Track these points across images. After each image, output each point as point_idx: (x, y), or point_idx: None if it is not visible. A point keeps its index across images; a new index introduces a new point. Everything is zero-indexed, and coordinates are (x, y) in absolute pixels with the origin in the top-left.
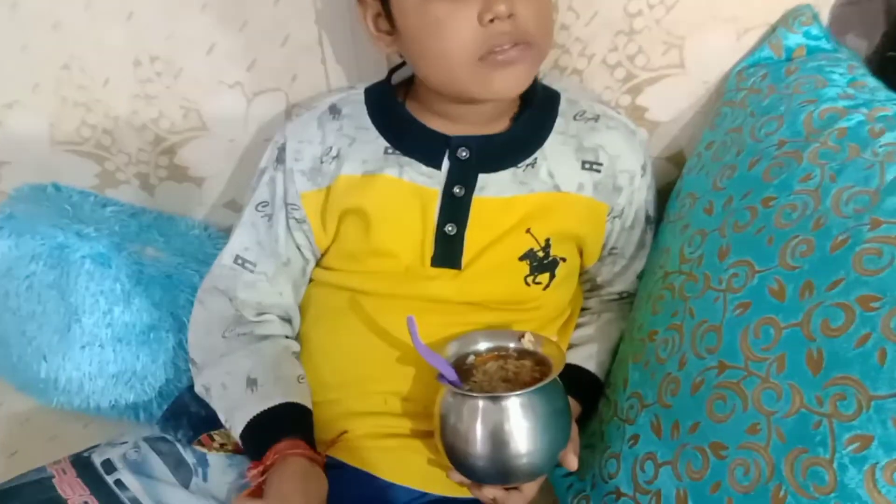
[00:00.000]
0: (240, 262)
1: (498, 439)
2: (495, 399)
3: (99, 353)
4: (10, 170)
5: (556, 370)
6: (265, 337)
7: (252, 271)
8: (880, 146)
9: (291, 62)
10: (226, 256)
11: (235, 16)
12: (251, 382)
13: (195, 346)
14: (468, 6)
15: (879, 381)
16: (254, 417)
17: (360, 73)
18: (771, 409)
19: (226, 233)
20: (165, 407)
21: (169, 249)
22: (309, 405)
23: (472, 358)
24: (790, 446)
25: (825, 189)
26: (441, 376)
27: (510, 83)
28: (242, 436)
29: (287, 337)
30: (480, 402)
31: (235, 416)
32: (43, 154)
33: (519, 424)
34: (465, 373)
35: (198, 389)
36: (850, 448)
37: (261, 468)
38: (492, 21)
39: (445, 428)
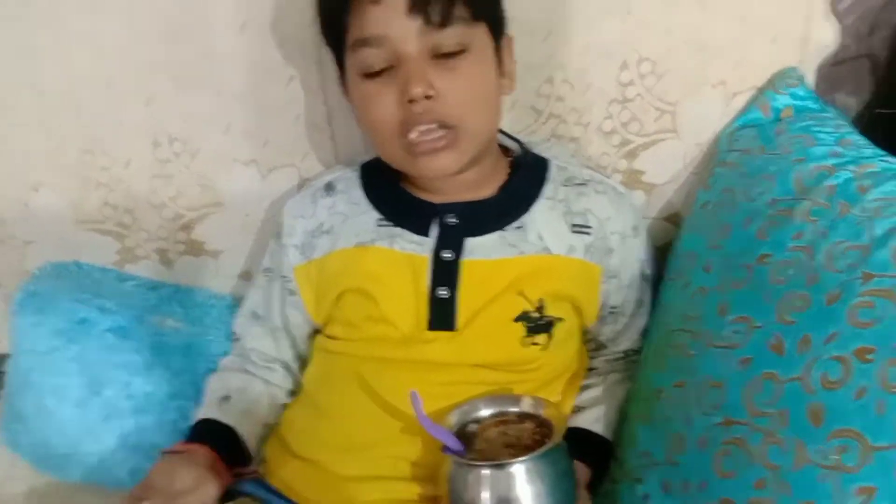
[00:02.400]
0: (254, 316)
1: None
2: (500, 466)
3: (120, 424)
4: (35, 249)
5: (558, 432)
6: (265, 381)
7: (261, 326)
8: (868, 202)
9: (303, 140)
10: (242, 313)
11: (250, 97)
12: (224, 399)
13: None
14: (390, 89)
15: (880, 432)
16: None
17: (368, 149)
18: (776, 464)
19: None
20: None
21: (188, 320)
22: (235, 426)
23: (473, 426)
24: (796, 500)
25: (817, 245)
26: (446, 448)
27: (435, 169)
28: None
29: (282, 388)
30: (485, 471)
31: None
32: (66, 233)
33: (525, 490)
34: (467, 441)
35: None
36: (857, 501)
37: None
38: (412, 101)
39: (453, 498)
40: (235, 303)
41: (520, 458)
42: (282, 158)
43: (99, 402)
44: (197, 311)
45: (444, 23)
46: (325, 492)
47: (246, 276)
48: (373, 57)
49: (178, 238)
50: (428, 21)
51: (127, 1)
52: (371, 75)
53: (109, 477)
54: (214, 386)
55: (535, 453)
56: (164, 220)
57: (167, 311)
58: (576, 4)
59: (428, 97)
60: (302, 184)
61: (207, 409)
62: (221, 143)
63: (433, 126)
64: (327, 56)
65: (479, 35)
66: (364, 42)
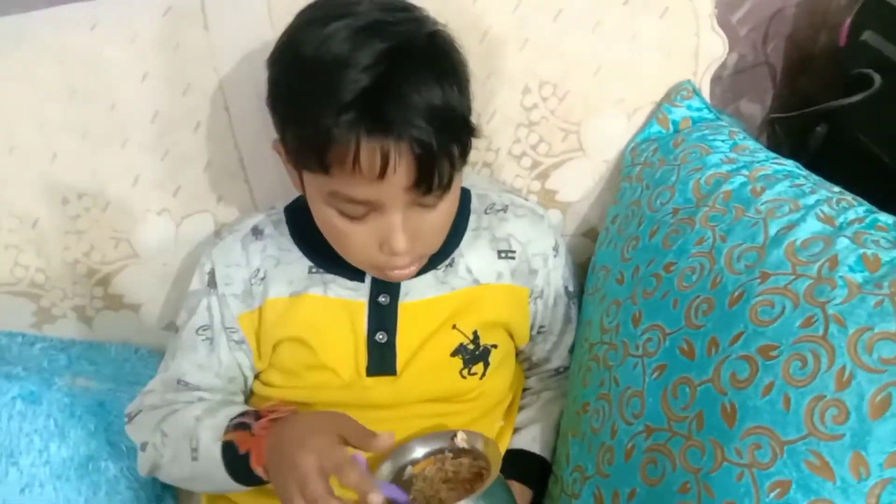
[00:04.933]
0: (182, 384)
1: None
2: None
3: (39, 493)
4: None
5: (495, 466)
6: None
7: (194, 392)
8: (762, 204)
9: (215, 185)
10: (159, 382)
11: (156, 146)
12: (198, 419)
13: (138, 442)
14: (368, 231)
15: (788, 427)
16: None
17: (285, 190)
18: (697, 467)
19: (161, 354)
20: None
21: (99, 377)
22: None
23: (409, 469)
24: (719, 500)
25: (718, 249)
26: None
27: (399, 280)
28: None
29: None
30: None
31: (202, 429)
32: None
33: None
34: (405, 484)
35: (142, 463)
36: (773, 495)
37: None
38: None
39: None
40: (152, 353)
41: (461, 500)
42: (195, 205)
43: (16, 472)
44: (109, 367)
45: (440, 197)
46: None
47: (170, 328)
48: (353, 209)
49: (95, 294)
50: (423, 196)
51: (25, 60)
52: (346, 215)
53: None
54: (186, 416)
55: (476, 493)
56: (79, 276)
57: (78, 370)
58: (474, 36)
59: None
60: (218, 229)
61: (212, 424)
62: (131, 194)
63: (407, 260)
64: (233, 102)
65: (459, 174)
66: (348, 199)
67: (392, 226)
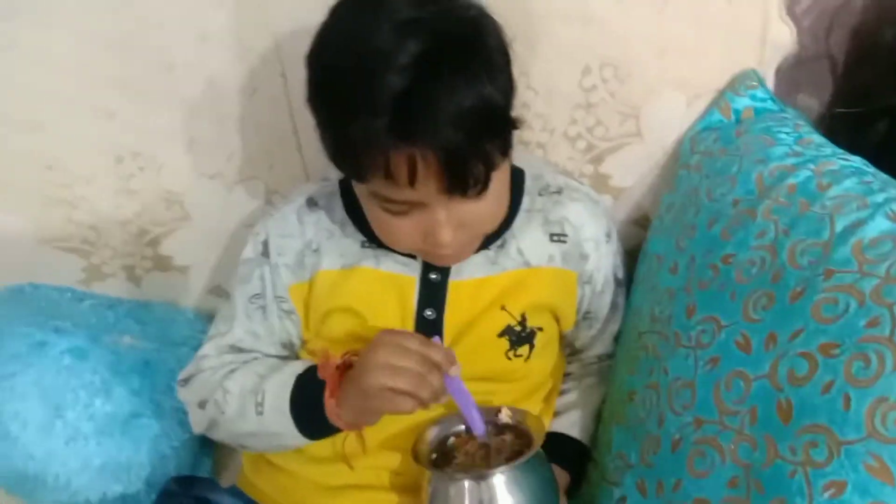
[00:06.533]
0: (236, 350)
1: None
2: (480, 477)
3: (83, 446)
4: None
5: (538, 441)
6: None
7: (250, 354)
8: (828, 199)
9: (268, 151)
10: (213, 347)
11: (212, 109)
12: (262, 376)
13: (194, 402)
14: (412, 224)
15: (847, 427)
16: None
17: None
18: (748, 462)
19: (206, 316)
20: (154, 497)
21: (145, 336)
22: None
23: (452, 440)
24: (769, 497)
25: (780, 243)
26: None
27: (453, 263)
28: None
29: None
30: (466, 483)
31: (269, 384)
32: (29, 252)
33: (506, 500)
34: (447, 456)
35: (198, 421)
36: (827, 494)
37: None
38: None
39: None
40: (198, 316)
41: (500, 468)
42: (247, 171)
43: (61, 425)
44: (155, 326)
45: (479, 197)
46: (303, 501)
47: (216, 292)
48: (395, 207)
49: (144, 254)
50: (462, 197)
51: (81, 15)
52: (389, 211)
53: (80, 500)
54: (248, 380)
55: (516, 463)
56: (130, 235)
57: (124, 328)
58: (536, 11)
59: None
60: (269, 196)
61: (280, 379)
62: (185, 157)
63: (457, 248)
64: (291, 68)
65: (502, 166)
66: (388, 200)
67: (436, 220)
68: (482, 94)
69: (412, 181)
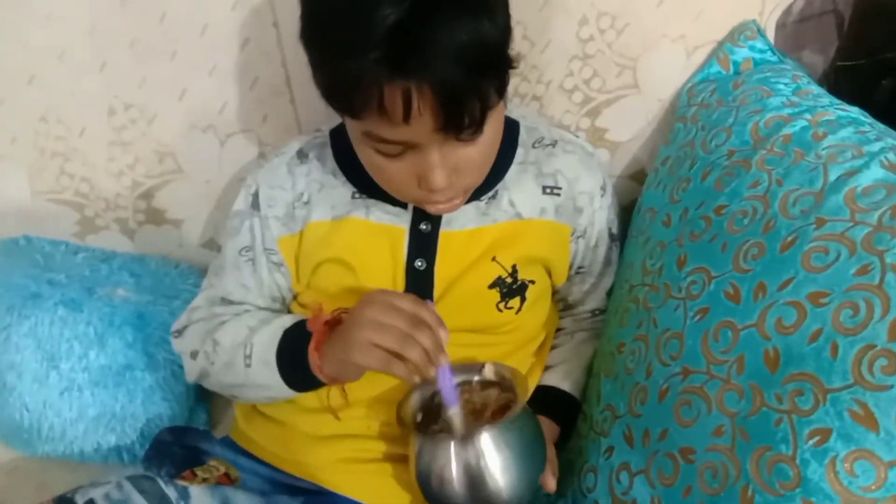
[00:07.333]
0: (226, 302)
1: (474, 477)
2: (466, 437)
3: (78, 397)
4: None
5: (523, 397)
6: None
7: (240, 306)
8: (823, 149)
9: (261, 104)
10: (204, 299)
11: (204, 61)
12: (252, 329)
13: (187, 352)
14: (406, 167)
15: (833, 375)
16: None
17: (330, 113)
18: (734, 410)
19: (200, 270)
20: (147, 447)
21: (139, 289)
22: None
23: (436, 398)
24: (754, 445)
25: (773, 193)
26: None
27: (443, 212)
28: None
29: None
30: (452, 444)
31: (257, 337)
32: (23, 205)
33: (493, 459)
34: (433, 414)
35: (190, 370)
36: (811, 442)
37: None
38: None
39: (421, 472)
40: (191, 270)
41: (485, 428)
42: (240, 123)
43: (56, 375)
44: (149, 279)
45: (474, 138)
46: (295, 450)
47: (210, 245)
48: (388, 148)
49: (137, 207)
50: (457, 138)
51: None
52: (382, 153)
53: (75, 451)
54: (238, 332)
55: (500, 421)
56: (123, 188)
57: (118, 281)
58: None
59: None
60: (262, 149)
61: (270, 332)
62: (177, 108)
63: (449, 194)
64: (284, 18)
65: (496, 108)
66: (381, 140)
67: (429, 163)
68: (480, 29)
69: (406, 117)
